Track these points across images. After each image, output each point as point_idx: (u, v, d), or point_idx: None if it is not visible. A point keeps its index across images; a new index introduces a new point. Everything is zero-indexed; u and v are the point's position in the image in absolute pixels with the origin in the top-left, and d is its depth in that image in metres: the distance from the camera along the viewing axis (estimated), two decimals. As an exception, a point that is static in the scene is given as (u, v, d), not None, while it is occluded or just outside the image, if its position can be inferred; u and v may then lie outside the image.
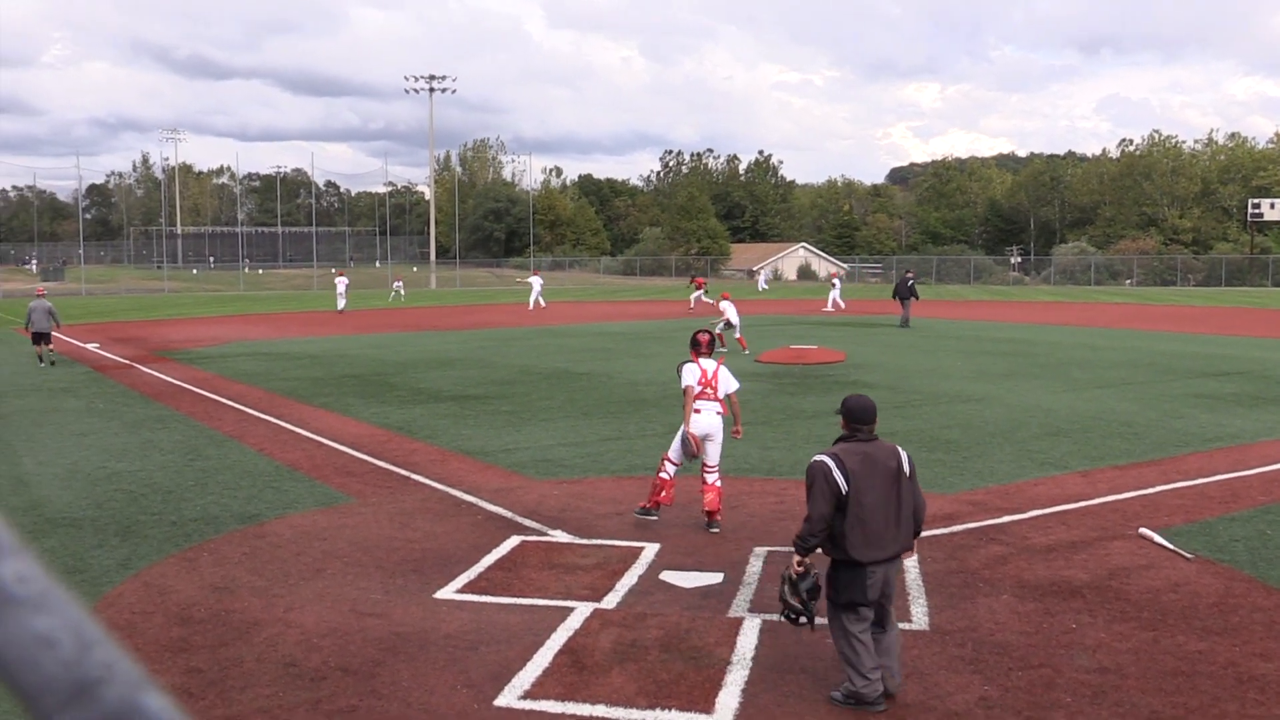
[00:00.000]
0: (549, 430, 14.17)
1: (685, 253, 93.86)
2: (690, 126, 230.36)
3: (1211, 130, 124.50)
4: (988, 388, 18.14)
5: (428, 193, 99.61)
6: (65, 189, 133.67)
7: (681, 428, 9.35)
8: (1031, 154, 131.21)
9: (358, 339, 30.49)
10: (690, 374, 9.24)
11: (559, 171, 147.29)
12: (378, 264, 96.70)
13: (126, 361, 24.19)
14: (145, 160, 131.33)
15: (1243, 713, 5.50)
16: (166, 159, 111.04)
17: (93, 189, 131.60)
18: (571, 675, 6.00)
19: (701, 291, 41.88)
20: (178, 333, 33.49)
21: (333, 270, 51.64)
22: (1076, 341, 27.82)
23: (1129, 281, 76.11)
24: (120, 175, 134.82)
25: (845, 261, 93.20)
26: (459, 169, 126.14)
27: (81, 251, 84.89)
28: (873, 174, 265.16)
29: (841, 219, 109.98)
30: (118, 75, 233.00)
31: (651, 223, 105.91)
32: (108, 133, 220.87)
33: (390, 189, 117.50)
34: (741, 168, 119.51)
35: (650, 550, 8.47)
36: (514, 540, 8.81)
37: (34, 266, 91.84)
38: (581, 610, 7.07)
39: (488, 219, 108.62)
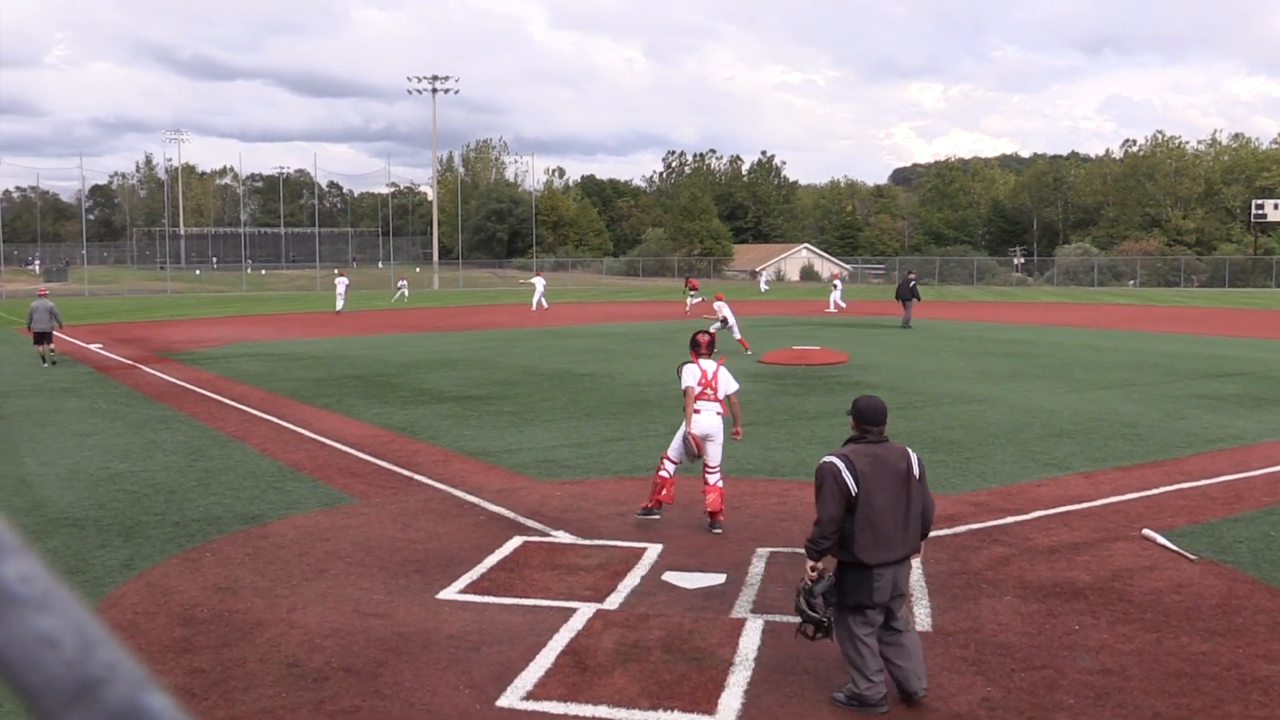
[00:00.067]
0: (551, 431, 14.18)
1: (688, 254, 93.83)
2: (693, 127, 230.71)
3: (1215, 131, 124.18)
4: (990, 388, 18.12)
5: (430, 193, 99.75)
6: (68, 190, 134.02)
7: (682, 427, 9.35)
8: (1034, 154, 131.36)
9: (360, 340, 30.50)
10: (690, 375, 9.25)
11: (561, 172, 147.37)
12: (380, 265, 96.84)
13: (129, 362, 24.22)
14: (148, 161, 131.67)
15: (1246, 714, 5.49)
16: (169, 160, 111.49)
17: (96, 190, 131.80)
18: (574, 676, 6.01)
19: (694, 293, 41.12)
20: (180, 333, 33.53)
21: (335, 271, 51.62)
22: (1079, 342, 27.80)
23: (1132, 282, 76.03)
24: (123, 176, 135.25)
25: (848, 262, 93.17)
26: (462, 169, 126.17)
27: (85, 252, 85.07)
28: (875, 174, 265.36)
29: (844, 220, 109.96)
30: (120, 76, 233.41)
31: (654, 223, 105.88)
32: (110, 133, 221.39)
33: (393, 190, 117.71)
34: (744, 168, 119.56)
35: (653, 551, 8.47)
36: (516, 541, 8.82)
37: (37, 267, 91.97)
38: (584, 611, 7.07)
39: (490, 220, 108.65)
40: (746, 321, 26.52)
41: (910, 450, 5.81)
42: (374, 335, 32.19)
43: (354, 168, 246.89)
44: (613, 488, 10.75)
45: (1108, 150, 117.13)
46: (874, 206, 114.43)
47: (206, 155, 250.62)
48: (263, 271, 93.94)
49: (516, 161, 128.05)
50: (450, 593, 7.51)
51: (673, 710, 5.57)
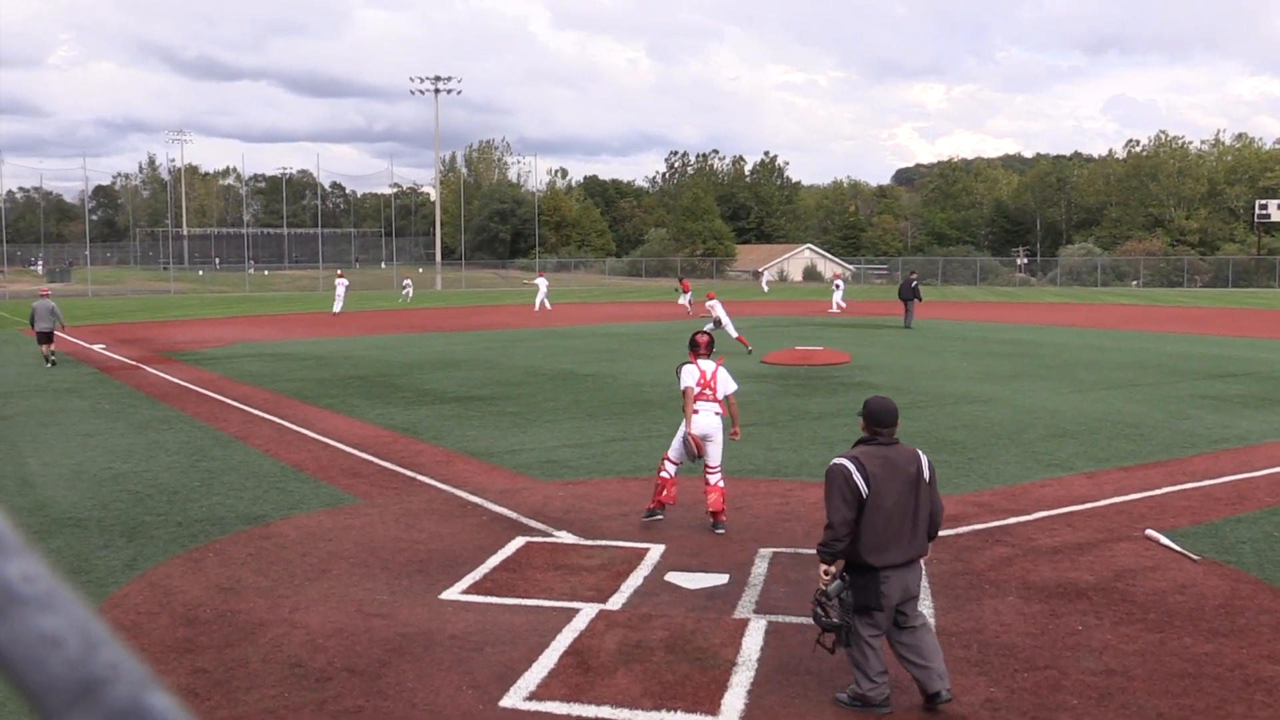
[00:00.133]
0: (554, 431, 14.18)
1: (690, 254, 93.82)
2: (695, 128, 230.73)
3: (1218, 131, 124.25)
4: (994, 389, 18.11)
5: (433, 194, 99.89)
6: (71, 190, 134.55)
7: (681, 428, 9.35)
8: (1037, 155, 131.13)
9: (363, 340, 30.53)
10: (689, 375, 9.25)
11: (564, 173, 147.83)
12: (383, 265, 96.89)
13: (132, 362, 24.25)
14: (151, 161, 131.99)
15: (1250, 715, 5.48)
16: (173, 160, 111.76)
17: (99, 190, 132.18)
18: (577, 676, 6.01)
19: (688, 295, 40.44)
20: (183, 334, 33.56)
21: (336, 272, 51.67)
22: (1083, 343, 27.77)
23: (1135, 283, 75.93)
24: (126, 176, 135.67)
25: (851, 262, 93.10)
26: (464, 170, 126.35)
27: (88, 253, 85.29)
28: (878, 175, 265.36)
29: (847, 220, 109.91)
30: (124, 76, 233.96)
31: (657, 224, 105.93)
32: (114, 134, 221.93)
33: (396, 190, 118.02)
34: (747, 168, 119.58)
35: (655, 551, 8.47)
36: (519, 541, 8.82)
37: (40, 268, 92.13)
38: (587, 611, 7.07)
39: (493, 220, 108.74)
40: (750, 322, 26.50)
41: (921, 453, 5.78)
42: (377, 335, 32.21)
43: (357, 168, 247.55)
44: (615, 488, 10.75)
45: (1111, 150, 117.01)
46: (877, 207, 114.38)
47: (209, 156, 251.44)
48: (265, 272, 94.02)
49: (519, 162, 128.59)
50: (453, 593, 7.51)
51: (676, 711, 5.57)
